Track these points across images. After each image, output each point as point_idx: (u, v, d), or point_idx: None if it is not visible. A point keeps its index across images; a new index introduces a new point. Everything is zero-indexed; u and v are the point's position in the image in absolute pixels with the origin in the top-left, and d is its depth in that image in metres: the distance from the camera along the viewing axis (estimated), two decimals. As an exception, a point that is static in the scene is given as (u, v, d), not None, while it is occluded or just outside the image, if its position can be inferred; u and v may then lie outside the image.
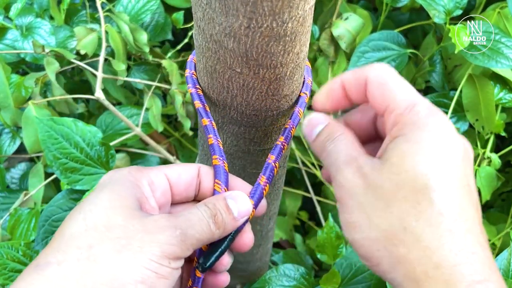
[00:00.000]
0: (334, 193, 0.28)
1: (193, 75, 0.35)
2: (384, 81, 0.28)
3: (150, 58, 0.69)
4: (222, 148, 0.33)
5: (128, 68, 0.72)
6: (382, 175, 0.25)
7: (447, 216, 0.24)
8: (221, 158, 0.32)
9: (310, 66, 0.36)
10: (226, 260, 0.31)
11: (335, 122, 0.30)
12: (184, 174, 0.31)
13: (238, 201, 0.29)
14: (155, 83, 0.68)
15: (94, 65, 0.64)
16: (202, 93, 0.34)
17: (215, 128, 0.34)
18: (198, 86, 0.34)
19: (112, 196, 0.27)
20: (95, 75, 0.59)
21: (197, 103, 0.34)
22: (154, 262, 0.25)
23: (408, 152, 0.25)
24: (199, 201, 0.31)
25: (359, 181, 0.26)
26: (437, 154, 0.25)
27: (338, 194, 0.27)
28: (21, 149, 0.71)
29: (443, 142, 0.25)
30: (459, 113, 0.75)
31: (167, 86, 0.68)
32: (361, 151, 0.28)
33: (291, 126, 0.34)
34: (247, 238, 0.31)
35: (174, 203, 0.32)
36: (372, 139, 0.32)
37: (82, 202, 0.28)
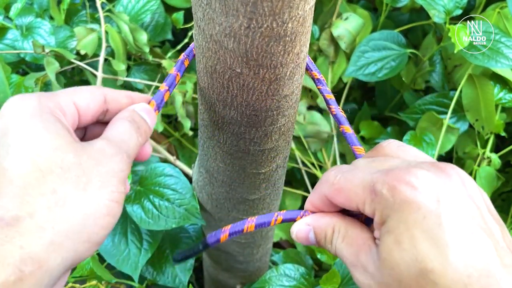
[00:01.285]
0: None
1: (194, 50, 0.35)
2: (339, 187, 0.28)
3: (150, 58, 0.69)
4: (176, 82, 0.34)
5: (128, 68, 0.72)
6: (382, 272, 0.26)
7: (455, 285, 0.23)
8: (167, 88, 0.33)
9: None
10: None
11: (318, 219, 0.31)
12: (92, 103, 0.31)
13: (147, 112, 0.32)
14: (155, 83, 0.68)
15: (94, 65, 0.64)
16: (187, 64, 0.35)
17: (183, 67, 0.34)
18: (186, 60, 0.35)
19: (51, 135, 0.26)
20: (95, 75, 0.59)
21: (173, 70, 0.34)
22: (116, 192, 0.27)
23: (391, 244, 0.25)
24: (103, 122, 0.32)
25: (370, 281, 0.27)
26: (417, 232, 0.24)
27: None
28: (21, 149, 0.71)
29: (416, 216, 0.24)
30: (459, 113, 0.75)
31: (167, 86, 0.67)
32: (360, 245, 0.28)
33: None
34: (147, 148, 0.33)
35: (79, 128, 0.32)
36: None
37: (14, 141, 0.25)
